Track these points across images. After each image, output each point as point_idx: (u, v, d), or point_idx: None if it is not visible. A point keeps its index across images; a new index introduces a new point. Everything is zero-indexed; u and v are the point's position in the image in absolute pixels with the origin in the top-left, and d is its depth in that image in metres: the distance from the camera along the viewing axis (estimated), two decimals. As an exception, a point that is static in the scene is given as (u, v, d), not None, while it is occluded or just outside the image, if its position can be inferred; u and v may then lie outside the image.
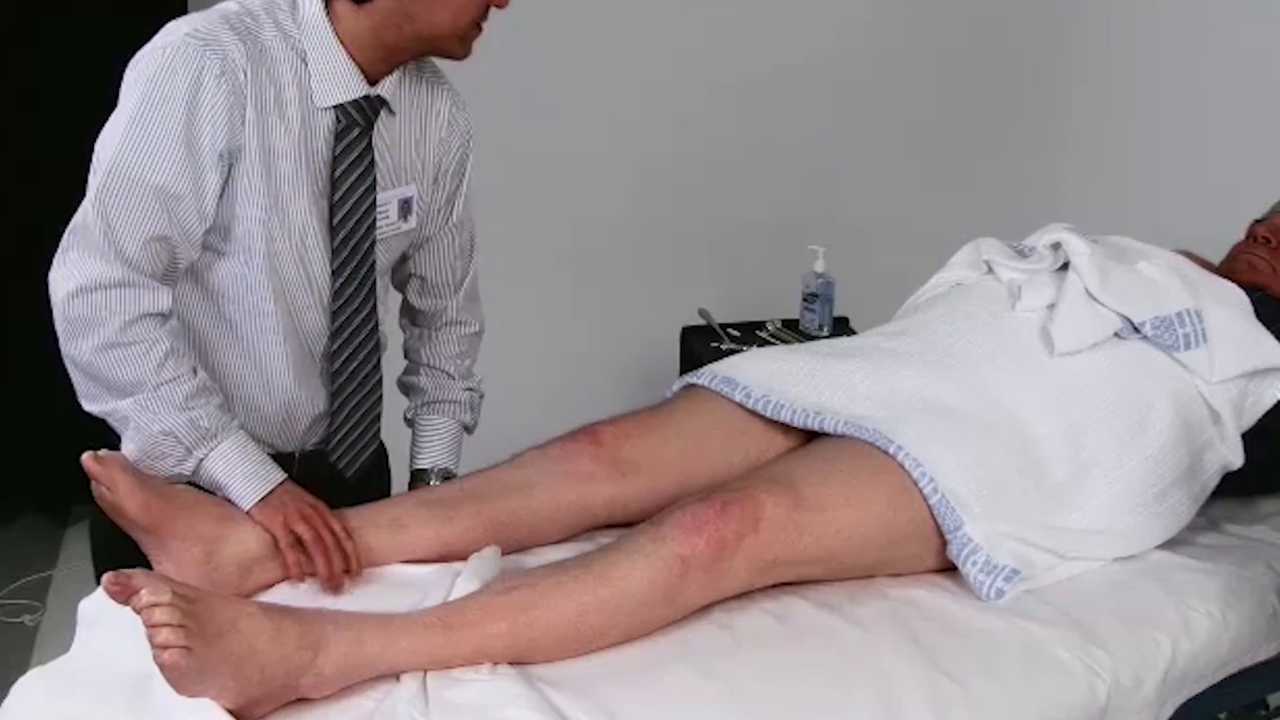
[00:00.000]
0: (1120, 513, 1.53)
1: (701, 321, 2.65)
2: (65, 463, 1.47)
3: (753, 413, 1.58)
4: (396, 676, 1.20)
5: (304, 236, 1.43)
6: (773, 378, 1.61)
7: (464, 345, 1.71)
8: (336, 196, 1.43)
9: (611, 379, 2.99)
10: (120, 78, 1.35)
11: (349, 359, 1.53)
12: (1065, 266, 1.69)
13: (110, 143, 1.32)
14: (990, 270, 1.76)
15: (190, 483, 1.38)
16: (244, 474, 1.37)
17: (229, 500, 1.37)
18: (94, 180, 1.32)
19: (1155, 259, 1.72)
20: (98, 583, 1.56)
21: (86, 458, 1.28)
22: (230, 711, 1.11)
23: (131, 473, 1.30)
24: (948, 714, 1.21)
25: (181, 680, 1.08)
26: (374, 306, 1.53)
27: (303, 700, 1.16)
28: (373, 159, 1.45)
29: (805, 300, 2.57)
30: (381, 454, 1.68)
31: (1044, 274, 1.69)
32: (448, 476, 1.64)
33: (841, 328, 2.61)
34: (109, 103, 1.35)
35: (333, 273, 1.47)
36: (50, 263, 1.34)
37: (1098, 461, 1.54)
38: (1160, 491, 1.56)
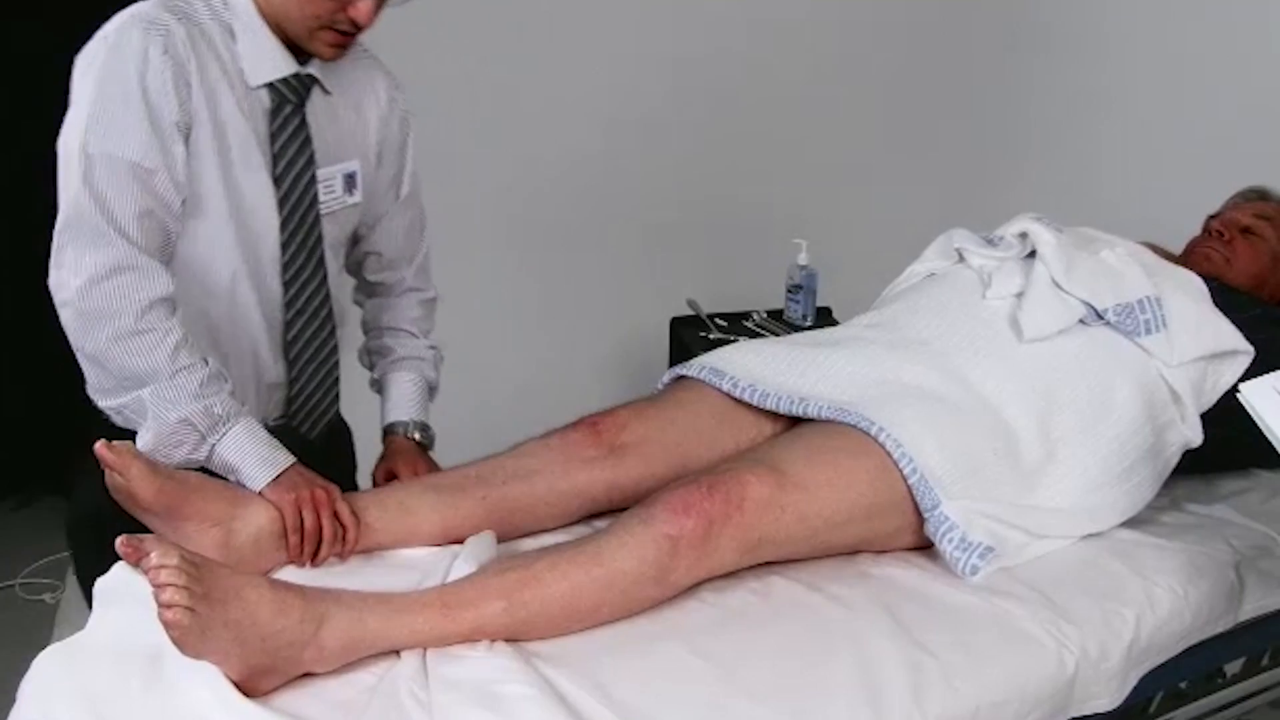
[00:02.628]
0: (1088, 490, 1.53)
1: (690, 312, 2.65)
2: (81, 446, 1.46)
3: (740, 401, 1.58)
4: (397, 653, 1.19)
5: (255, 208, 1.43)
6: (758, 368, 1.60)
7: (423, 309, 1.73)
8: (278, 170, 1.44)
9: (605, 366, 2.99)
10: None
11: (304, 327, 1.52)
12: (1033, 255, 1.69)
13: (77, 132, 1.31)
14: (961, 259, 1.76)
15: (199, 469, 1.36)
16: (256, 457, 1.36)
17: (240, 484, 1.35)
18: (72, 172, 1.31)
19: (1117, 248, 1.72)
20: (79, 578, 1.57)
21: (99, 446, 1.27)
22: (237, 685, 1.10)
23: (144, 459, 1.28)
24: (924, 686, 1.20)
25: (184, 640, 1.07)
26: (324, 276, 1.52)
27: (306, 675, 1.16)
28: (308, 135, 1.45)
29: (789, 291, 2.57)
30: (344, 427, 1.69)
31: (1012, 262, 1.69)
32: (423, 429, 1.65)
33: (824, 317, 2.61)
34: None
35: (282, 244, 1.46)
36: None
37: (1066, 442, 1.54)
38: (1125, 469, 1.56)
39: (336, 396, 1.63)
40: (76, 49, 1.35)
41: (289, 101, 1.43)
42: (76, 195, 1.30)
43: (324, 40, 1.40)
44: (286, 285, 1.49)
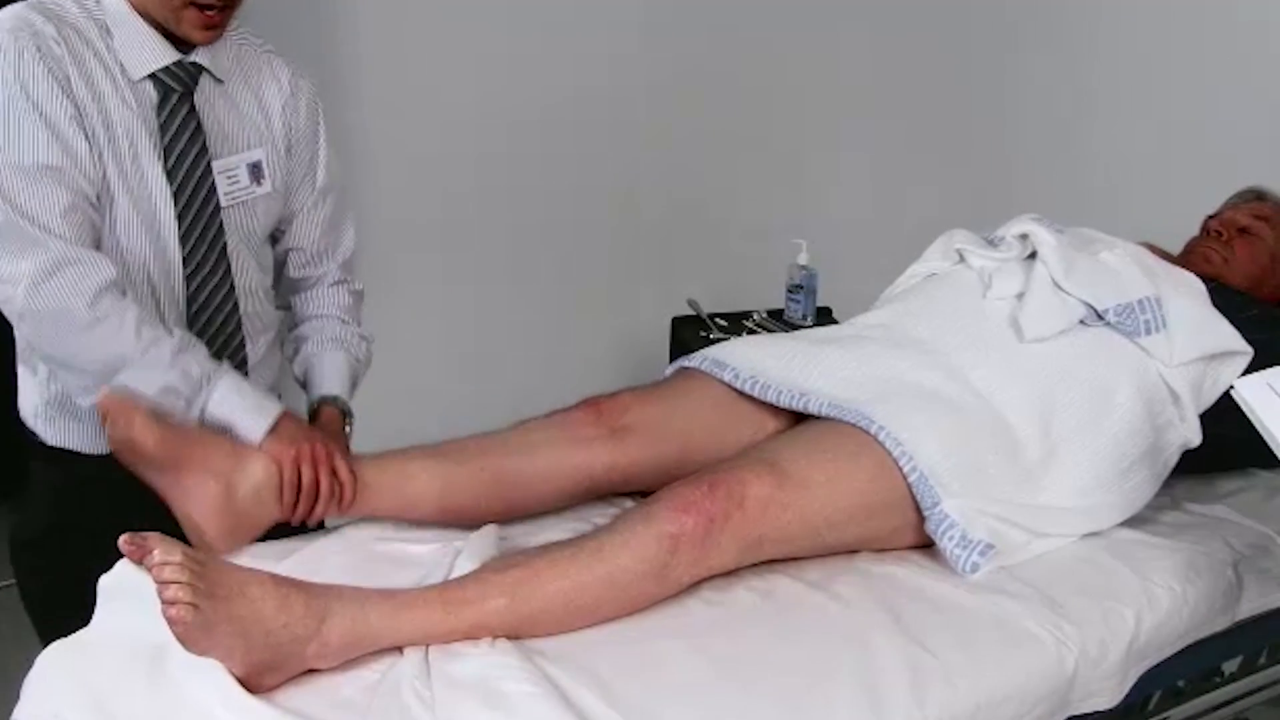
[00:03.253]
0: (1088, 490, 1.53)
1: (691, 312, 2.65)
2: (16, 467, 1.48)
3: (742, 394, 1.58)
4: (400, 650, 1.19)
5: (154, 202, 1.40)
6: (761, 361, 1.60)
7: (352, 300, 1.68)
8: (170, 162, 1.40)
9: (606, 365, 2.99)
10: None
11: (208, 322, 1.49)
12: (1033, 256, 1.69)
13: None
14: (962, 259, 1.76)
15: None
16: (245, 409, 1.35)
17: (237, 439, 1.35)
18: None
19: (1117, 249, 1.72)
20: (23, 599, 1.54)
21: (103, 397, 1.26)
22: (241, 682, 1.10)
23: (146, 409, 1.28)
24: (924, 684, 1.20)
25: (188, 636, 1.07)
26: (228, 268, 1.48)
27: (309, 672, 1.15)
28: (199, 124, 1.42)
29: (789, 291, 2.57)
30: None
31: (1013, 263, 1.69)
32: (350, 413, 1.60)
33: (824, 317, 2.61)
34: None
35: (181, 237, 1.43)
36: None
37: (1066, 441, 1.54)
38: (1125, 469, 1.56)
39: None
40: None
41: (174, 91, 1.39)
42: None
43: (190, 21, 1.35)
44: (189, 279, 1.45)
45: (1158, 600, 1.41)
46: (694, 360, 1.65)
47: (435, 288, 2.73)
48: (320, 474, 1.33)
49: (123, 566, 1.27)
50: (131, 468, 1.29)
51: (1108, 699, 1.35)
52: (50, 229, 1.29)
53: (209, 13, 1.35)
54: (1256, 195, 1.98)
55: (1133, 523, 1.57)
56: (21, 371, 1.50)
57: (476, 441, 1.47)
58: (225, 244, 1.47)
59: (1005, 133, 3.20)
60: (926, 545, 1.45)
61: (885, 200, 3.10)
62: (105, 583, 1.29)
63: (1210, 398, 1.64)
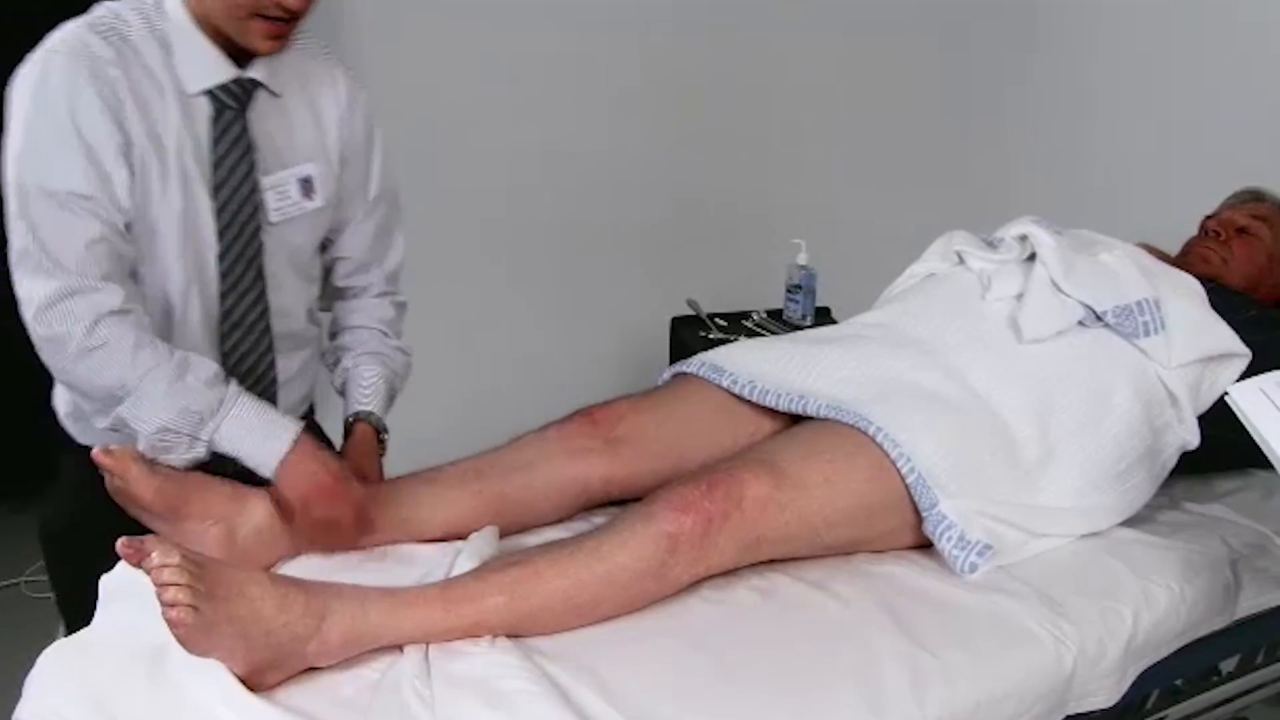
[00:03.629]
0: (1086, 491, 1.53)
1: (690, 312, 2.65)
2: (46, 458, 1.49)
3: (739, 398, 1.58)
4: (400, 649, 1.19)
5: (197, 222, 1.38)
6: (758, 365, 1.60)
7: (396, 312, 1.65)
8: (217, 180, 1.38)
9: (605, 366, 2.99)
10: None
11: (237, 335, 1.46)
12: (1032, 258, 1.69)
13: (12, 164, 1.27)
14: (961, 261, 1.76)
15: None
16: (253, 442, 1.30)
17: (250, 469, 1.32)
18: (12, 203, 1.27)
19: (1116, 250, 1.72)
20: (53, 589, 1.56)
21: (97, 452, 1.26)
22: (241, 680, 1.10)
23: (141, 460, 1.28)
24: (924, 684, 1.20)
25: (188, 638, 1.07)
26: (263, 291, 1.46)
27: (309, 670, 1.15)
28: (250, 142, 1.39)
29: (789, 291, 2.57)
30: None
31: (1012, 264, 1.70)
32: (384, 429, 1.57)
33: (823, 317, 2.61)
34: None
35: (219, 255, 1.41)
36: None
37: (1065, 444, 1.54)
38: (1123, 471, 1.56)
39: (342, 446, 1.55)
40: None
41: (229, 108, 1.37)
42: (17, 228, 1.27)
43: (257, 31, 1.32)
44: (223, 296, 1.43)
45: (1156, 599, 1.41)
46: (691, 365, 1.65)
47: (434, 287, 2.73)
48: (335, 509, 1.29)
49: (124, 566, 1.27)
50: (132, 514, 1.29)
51: (1106, 697, 1.35)
52: (60, 261, 1.27)
53: (277, 23, 1.32)
54: (1254, 196, 1.99)
55: (1131, 522, 1.57)
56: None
57: (473, 463, 1.47)
58: (262, 264, 1.44)
59: (1005, 134, 3.20)
60: (925, 545, 1.45)
61: (885, 201, 3.10)
62: (107, 582, 1.29)
63: (1208, 400, 1.65)
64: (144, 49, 1.32)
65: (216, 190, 1.38)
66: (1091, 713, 1.35)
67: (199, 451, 1.31)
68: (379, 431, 1.56)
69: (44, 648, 1.21)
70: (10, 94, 1.29)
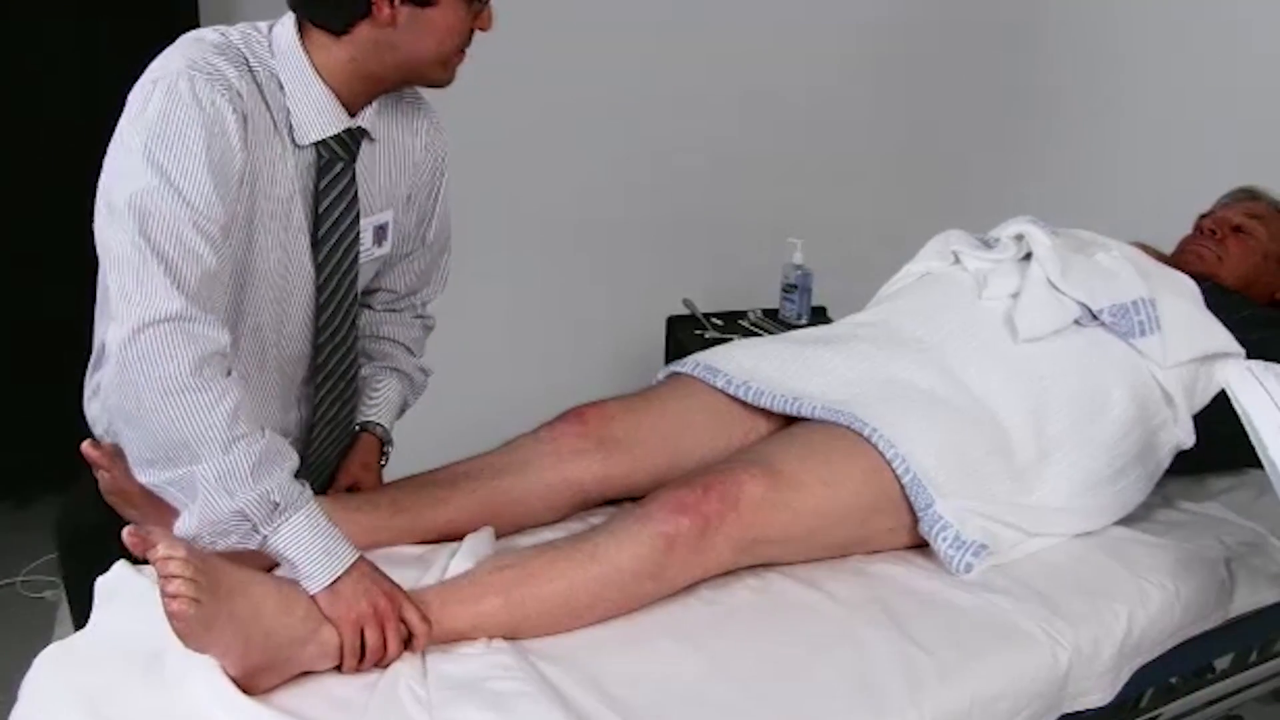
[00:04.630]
0: (1081, 491, 1.53)
1: (686, 311, 2.65)
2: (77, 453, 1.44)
3: (734, 399, 1.57)
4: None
5: (288, 268, 1.32)
6: (753, 365, 1.60)
7: (423, 332, 1.63)
8: (321, 231, 1.33)
9: (601, 365, 2.98)
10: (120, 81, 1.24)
11: (329, 384, 1.44)
12: (1028, 257, 1.69)
13: (133, 179, 1.17)
14: (957, 260, 1.76)
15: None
16: (312, 554, 1.16)
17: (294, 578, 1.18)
18: (127, 222, 1.16)
19: (1112, 250, 1.72)
20: (64, 579, 1.55)
21: (86, 445, 1.25)
22: (237, 683, 1.10)
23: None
24: (919, 682, 1.20)
25: (188, 631, 1.06)
26: (355, 337, 1.44)
27: (306, 672, 1.15)
28: (355, 193, 1.34)
29: (785, 291, 2.57)
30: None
31: (1008, 264, 1.69)
32: (384, 440, 1.54)
33: (819, 317, 2.60)
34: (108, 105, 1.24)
35: (319, 306, 1.36)
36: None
37: (1060, 443, 1.54)
38: (1118, 470, 1.56)
39: (348, 440, 1.53)
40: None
41: (340, 159, 1.31)
42: (134, 249, 1.15)
43: (455, 64, 1.30)
44: (319, 348, 1.38)
45: (1150, 597, 1.41)
46: (685, 366, 1.64)
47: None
48: (387, 632, 1.16)
49: (120, 569, 1.27)
50: (122, 513, 1.26)
51: (1101, 696, 1.35)
52: (186, 284, 1.16)
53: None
54: (1249, 194, 1.99)
55: (1125, 520, 1.57)
56: (89, 384, 1.42)
57: (465, 466, 1.47)
58: (356, 310, 1.40)
59: (1000, 133, 3.20)
60: (921, 545, 1.45)
61: (880, 200, 3.10)
62: (103, 585, 1.29)
63: (1203, 399, 1.65)
64: (267, 86, 1.26)
65: (319, 242, 1.33)
66: (1087, 711, 1.36)
67: (252, 543, 1.17)
68: (383, 444, 1.54)
69: (40, 647, 1.20)
70: (133, 106, 1.20)
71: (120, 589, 1.26)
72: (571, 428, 1.50)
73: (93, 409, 1.41)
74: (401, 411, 1.61)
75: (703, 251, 3.04)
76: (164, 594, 1.05)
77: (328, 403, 1.45)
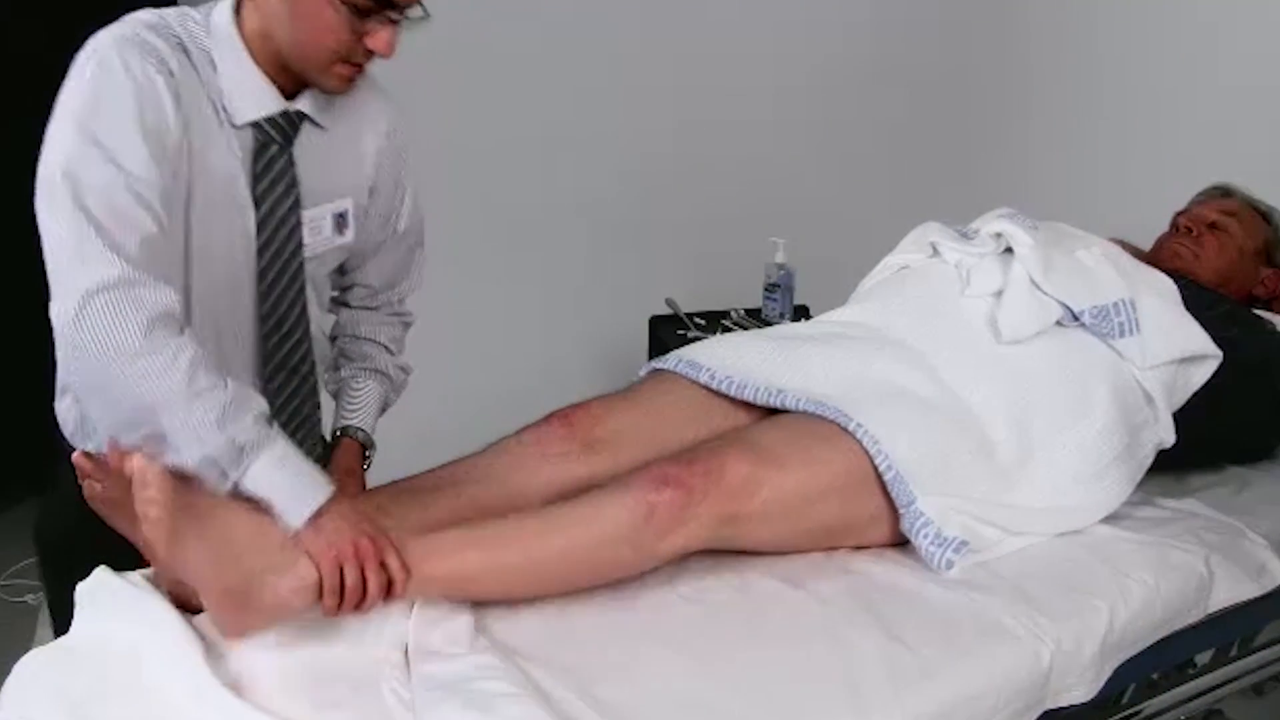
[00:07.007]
0: (1064, 491, 1.53)
1: (669, 311, 2.65)
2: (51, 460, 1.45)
3: (717, 393, 1.57)
4: (380, 650, 1.18)
5: (236, 256, 1.32)
6: (735, 360, 1.60)
7: (401, 330, 1.63)
8: (260, 214, 1.32)
9: (584, 365, 2.99)
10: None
11: (281, 378, 1.42)
12: (1009, 250, 1.69)
13: (64, 154, 1.17)
14: (936, 252, 1.76)
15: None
16: (288, 489, 1.17)
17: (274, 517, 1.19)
18: (57, 198, 1.16)
19: (1093, 247, 1.72)
20: (43, 584, 1.54)
21: (77, 456, 1.24)
22: (217, 621, 1.12)
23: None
24: (903, 679, 1.20)
25: (156, 539, 1.09)
26: (306, 328, 1.42)
27: (287, 674, 1.14)
28: (294, 176, 1.33)
29: (767, 290, 2.57)
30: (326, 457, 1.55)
31: (990, 258, 1.69)
32: (371, 445, 1.54)
33: (802, 316, 2.61)
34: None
35: (261, 294, 1.35)
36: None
37: (1042, 443, 1.54)
38: (1100, 470, 1.56)
39: (320, 430, 1.52)
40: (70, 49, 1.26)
41: (275, 141, 1.31)
42: (70, 219, 1.15)
43: (336, 75, 1.28)
44: (265, 337, 1.38)
45: (1131, 593, 1.42)
46: (667, 362, 1.64)
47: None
48: (367, 572, 1.16)
49: (101, 574, 1.25)
50: (110, 522, 1.23)
51: (1084, 692, 1.36)
52: (121, 249, 1.15)
53: (357, 67, 1.28)
54: (1223, 192, 2.01)
55: (1106, 518, 1.57)
56: (58, 383, 1.42)
57: (449, 471, 1.46)
58: (304, 300, 1.38)
59: (983, 130, 3.21)
60: (903, 543, 1.45)
61: (862, 199, 3.11)
62: (83, 590, 1.27)
63: (1181, 398, 1.66)
64: (200, 63, 1.26)
65: (260, 225, 1.32)
66: (1069, 707, 1.36)
67: (224, 489, 1.18)
68: (365, 448, 1.54)
69: (22, 652, 1.19)
70: (70, 81, 1.20)
71: (100, 594, 1.24)
72: (557, 431, 1.50)
73: (61, 406, 1.42)
74: (383, 411, 1.60)
75: (685, 251, 3.04)
76: (138, 504, 1.08)
77: (284, 396, 1.44)
